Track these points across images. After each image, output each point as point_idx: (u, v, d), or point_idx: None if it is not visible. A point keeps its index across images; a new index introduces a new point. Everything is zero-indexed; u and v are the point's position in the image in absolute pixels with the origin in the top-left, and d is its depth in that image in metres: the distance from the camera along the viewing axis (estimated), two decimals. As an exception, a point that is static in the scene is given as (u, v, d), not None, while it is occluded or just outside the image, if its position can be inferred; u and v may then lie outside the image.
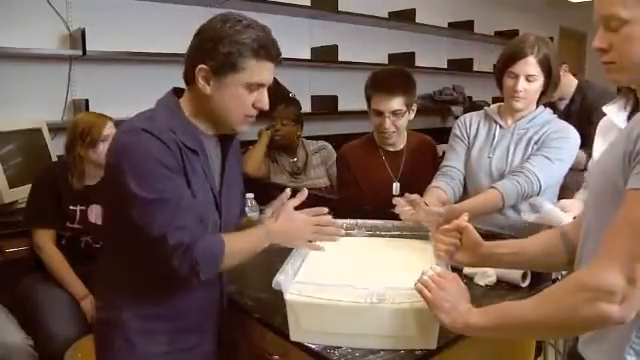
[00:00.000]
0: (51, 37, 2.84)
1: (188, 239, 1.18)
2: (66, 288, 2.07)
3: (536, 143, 1.90)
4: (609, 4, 0.95)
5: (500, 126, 1.99)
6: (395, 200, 1.68)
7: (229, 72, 1.23)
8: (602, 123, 1.94)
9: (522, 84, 1.84)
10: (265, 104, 1.29)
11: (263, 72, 1.26)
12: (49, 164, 2.45)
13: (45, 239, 2.09)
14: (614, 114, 1.82)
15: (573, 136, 1.91)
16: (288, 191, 1.39)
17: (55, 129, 2.75)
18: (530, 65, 1.82)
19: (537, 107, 1.95)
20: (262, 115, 1.35)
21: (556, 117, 1.99)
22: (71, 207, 2.10)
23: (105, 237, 1.43)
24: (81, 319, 2.03)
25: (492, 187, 1.84)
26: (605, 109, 1.88)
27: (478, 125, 2.05)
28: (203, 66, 1.24)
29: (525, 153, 1.91)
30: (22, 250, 2.19)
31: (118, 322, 1.31)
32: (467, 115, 2.12)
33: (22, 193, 2.29)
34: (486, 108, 2.08)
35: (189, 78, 1.29)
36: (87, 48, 2.74)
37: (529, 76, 1.84)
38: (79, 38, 2.74)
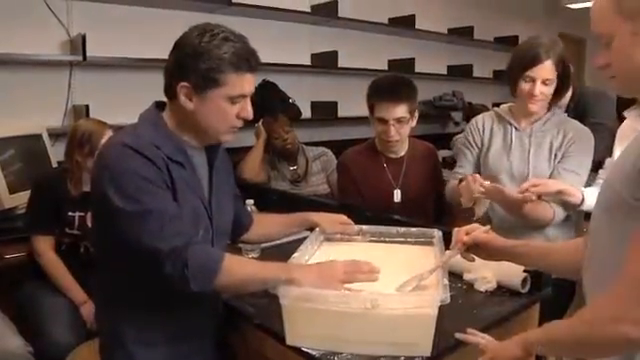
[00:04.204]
0: (51, 43, 2.84)
1: (181, 243, 1.17)
2: (65, 294, 2.06)
3: (558, 149, 1.90)
4: (596, 21, 0.96)
5: (515, 128, 1.98)
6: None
7: (210, 88, 1.23)
8: (623, 127, 1.95)
9: (539, 88, 1.84)
10: (249, 114, 1.29)
11: (244, 84, 1.26)
12: (47, 170, 2.45)
13: (44, 245, 2.09)
14: (634, 119, 1.83)
15: (590, 142, 1.91)
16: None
17: (55, 135, 2.75)
18: (547, 69, 1.83)
19: (550, 108, 1.95)
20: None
21: (566, 115, 1.99)
22: (70, 213, 2.09)
23: (96, 248, 1.41)
24: (80, 325, 2.02)
25: (544, 200, 1.83)
26: (626, 113, 1.89)
27: (492, 127, 2.03)
28: (184, 84, 1.23)
29: (550, 160, 1.91)
30: (22, 256, 2.18)
31: (116, 332, 1.31)
32: (479, 118, 2.10)
33: (22, 199, 2.28)
34: (496, 109, 2.07)
35: (170, 94, 1.28)
36: (88, 54, 2.74)
37: (546, 80, 1.84)
38: (79, 44, 2.74)
